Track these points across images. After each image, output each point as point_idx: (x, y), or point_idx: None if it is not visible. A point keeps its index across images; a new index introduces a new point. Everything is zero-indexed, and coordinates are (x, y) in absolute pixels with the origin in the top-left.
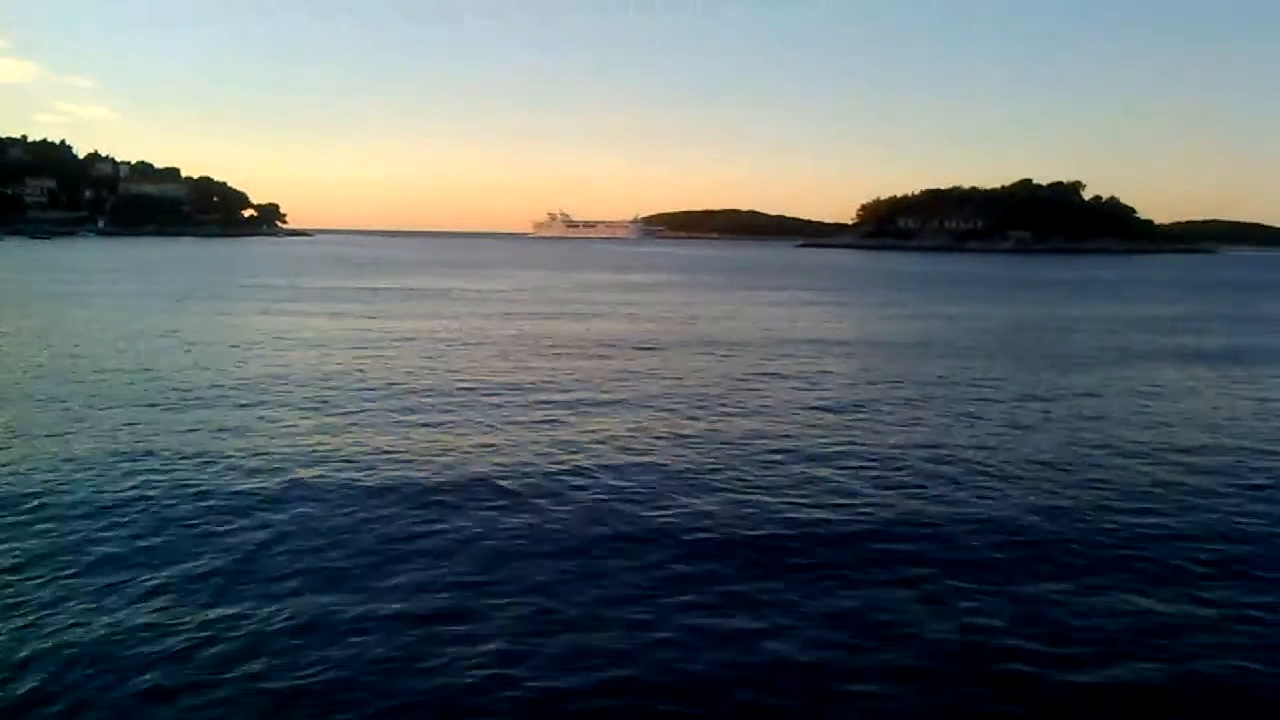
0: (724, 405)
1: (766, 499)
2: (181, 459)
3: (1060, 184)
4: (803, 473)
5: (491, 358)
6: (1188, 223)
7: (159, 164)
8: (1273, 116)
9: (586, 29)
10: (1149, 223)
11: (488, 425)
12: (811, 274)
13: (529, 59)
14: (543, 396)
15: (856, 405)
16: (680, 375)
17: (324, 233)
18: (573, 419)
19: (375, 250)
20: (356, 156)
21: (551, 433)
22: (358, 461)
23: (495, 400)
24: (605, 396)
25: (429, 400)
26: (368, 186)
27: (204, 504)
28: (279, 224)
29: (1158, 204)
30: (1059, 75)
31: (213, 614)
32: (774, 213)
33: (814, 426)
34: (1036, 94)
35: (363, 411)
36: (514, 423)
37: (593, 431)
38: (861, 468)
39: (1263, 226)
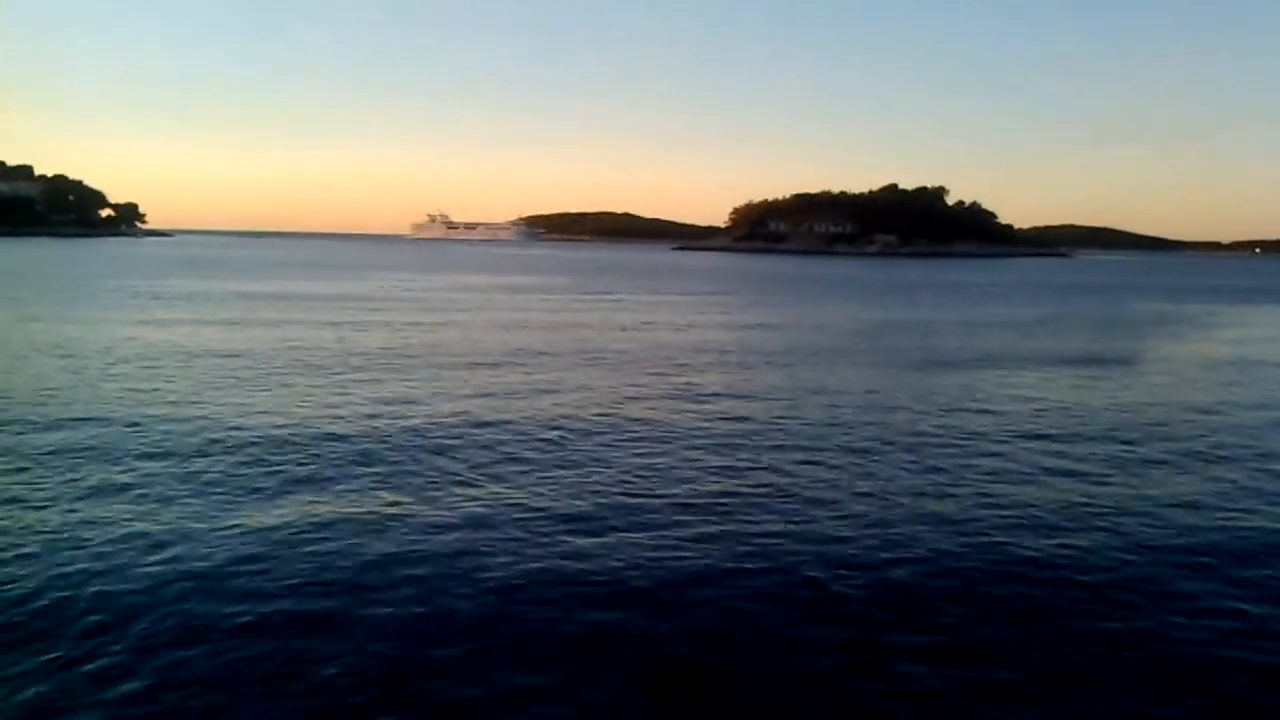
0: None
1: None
2: None
3: (925, 189)
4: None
5: (292, 378)
6: (1045, 227)
7: (11, 161)
8: (1122, 125)
9: (463, 29)
10: (1008, 227)
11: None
12: (692, 277)
13: (409, 58)
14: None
15: (740, 410)
16: (559, 390)
17: (186, 233)
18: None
19: (231, 252)
20: (224, 154)
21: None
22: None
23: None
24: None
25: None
26: (236, 185)
27: None
28: (138, 224)
29: (1017, 209)
30: (923, 83)
31: None
32: (650, 215)
33: (694, 430)
34: (902, 101)
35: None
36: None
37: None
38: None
39: (1113, 230)
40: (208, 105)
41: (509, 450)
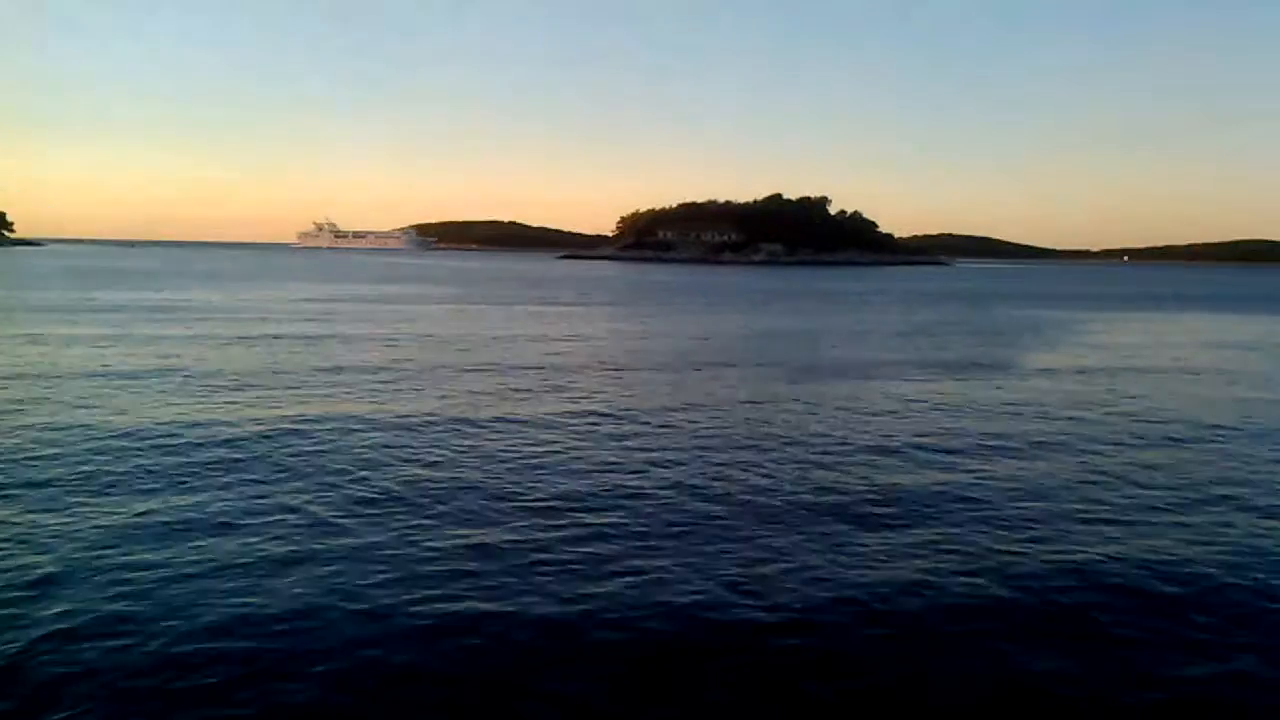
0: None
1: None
2: None
3: (808, 199)
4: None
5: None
6: (924, 236)
7: None
8: (995, 139)
9: (352, 37)
10: (889, 236)
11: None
12: (579, 285)
13: (298, 65)
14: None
15: (629, 417)
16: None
17: (58, 242)
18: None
19: (113, 262)
20: (101, 160)
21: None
22: None
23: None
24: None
25: None
26: (114, 192)
27: None
28: (5, 233)
29: (897, 219)
30: (806, 95)
31: None
32: (537, 224)
33: (579, 439)
34: (785, 112)
35: None
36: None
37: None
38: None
39: (989, 239)
40: (75, 110)
41: (354, 456)
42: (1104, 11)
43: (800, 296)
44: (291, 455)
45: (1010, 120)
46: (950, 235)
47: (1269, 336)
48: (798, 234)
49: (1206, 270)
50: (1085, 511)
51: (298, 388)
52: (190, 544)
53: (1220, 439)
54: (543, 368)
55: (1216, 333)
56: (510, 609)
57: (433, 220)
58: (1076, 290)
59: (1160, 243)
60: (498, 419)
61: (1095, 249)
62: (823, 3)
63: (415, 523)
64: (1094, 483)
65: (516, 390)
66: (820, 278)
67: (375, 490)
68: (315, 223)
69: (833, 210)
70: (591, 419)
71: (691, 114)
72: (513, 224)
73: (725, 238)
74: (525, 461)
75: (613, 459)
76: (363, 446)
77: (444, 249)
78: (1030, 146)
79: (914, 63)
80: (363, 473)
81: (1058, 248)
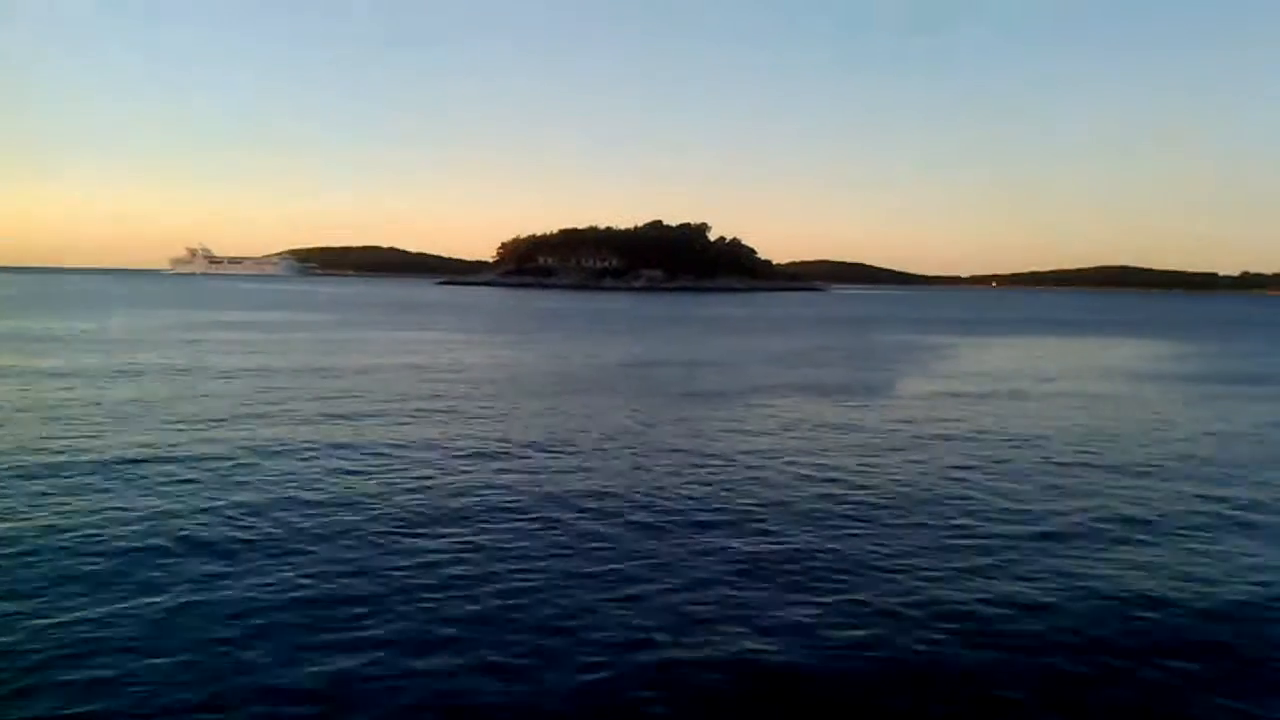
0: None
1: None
2: None
3: (688, 225)
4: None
5: None
6: (801, 262)
7: None
8: (871, 169)
9: (223, 58)
10: (768, 262)
11: None
12: (459, 312)
13: (169, 83)
14: None
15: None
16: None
17: None
18: None
19: None
20: None
21: None
22: None
23: None
24: None
25: None
26: None
27: None
28: None
29: (775, 246)
30: (686, 123)
31: None
32: (416, 250)
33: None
34: (668, 138)
35: None
36: None
37: None
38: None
39: (864, 265)
40: None
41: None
42: (977, 45)
43: (682, 322)
44: (143, 485)
45: (884, 148)
46: (827, 261)
47: (1127, 361)
48: (678, 260)
49: (1072, 295)
50: (946, 528)
51: (148, 419)
52: None
53: (1075, 460)
54: (419, 396)
55: (1077, 356)
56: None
57: (309, 246)
58: (948, 315)
59: (1027, 269)
60: (369, 446)
61: (966, 275)
62: (700, 26)
63: (267, 557)
64: (959, 498)
65: (392, 416)
66: (700, 304)
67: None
68: (189, 248)
69: (712, 237)
70: (467, 443)
71: (572, 140)
72: (391, 249)
73: (606, 264)
74: (391, 487)
75: (488, 482)
76: (216, 479)
77: (322, 275)
78: (904, 175)
79: (795, 89)
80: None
81: (930, 274)
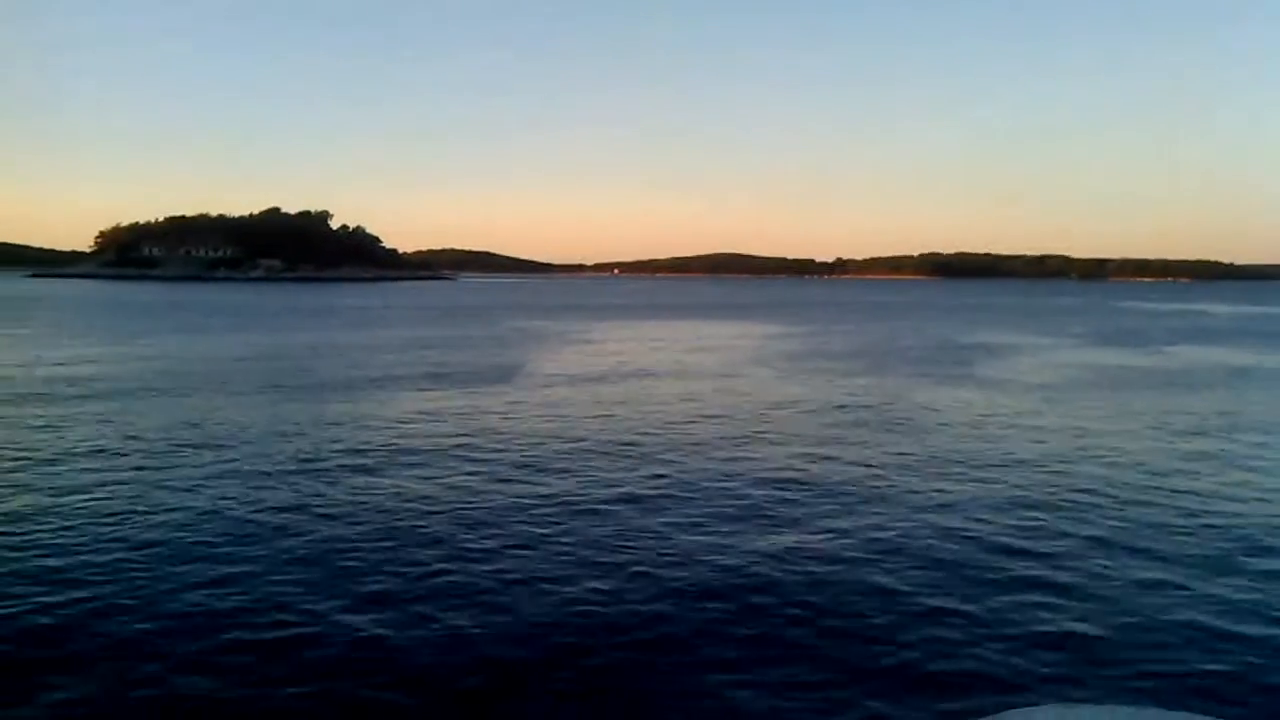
0: None
1: None
2: None
3: (309, 213)
4: None
5: None
6: (429, 251)
7: None
8: (491, 158)
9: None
10: (394, 251)
11: None
12: (46, 307)
13: None
14: None
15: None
16: None
17: None
18: None
19: None
20: None
21: None
22: None
23: None
24: None
25: None
26: None
27: None
28: None
29: (403, 234)
30: (305, 103)
31: None
32: None
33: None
34: (285, 121)
35: None
36: None
37: None
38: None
39: (491, 254)
40: None
41: None
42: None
43: (306, 314)
44: None
45: (503, 136)
46: (454, 250)
47: (736, 338)
48: (299, 249)
49: (683, 281)
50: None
51: None
52: None
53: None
54: None
55: (689, 334)
56: None
57: None
58: (570, 302)
59: (647, 257)
60: None
61: (589, 263)
62: (313, 7)
63: None
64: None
65: None
66: (323, 293)
67: None
68: None
69: (335, 225)
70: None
71: (180, 120)
72: None
73: (220, 253)
74: None
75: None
76: None
77: None
78: (522, 168)
79: (425, 80)
80: None
81: (556, 262)
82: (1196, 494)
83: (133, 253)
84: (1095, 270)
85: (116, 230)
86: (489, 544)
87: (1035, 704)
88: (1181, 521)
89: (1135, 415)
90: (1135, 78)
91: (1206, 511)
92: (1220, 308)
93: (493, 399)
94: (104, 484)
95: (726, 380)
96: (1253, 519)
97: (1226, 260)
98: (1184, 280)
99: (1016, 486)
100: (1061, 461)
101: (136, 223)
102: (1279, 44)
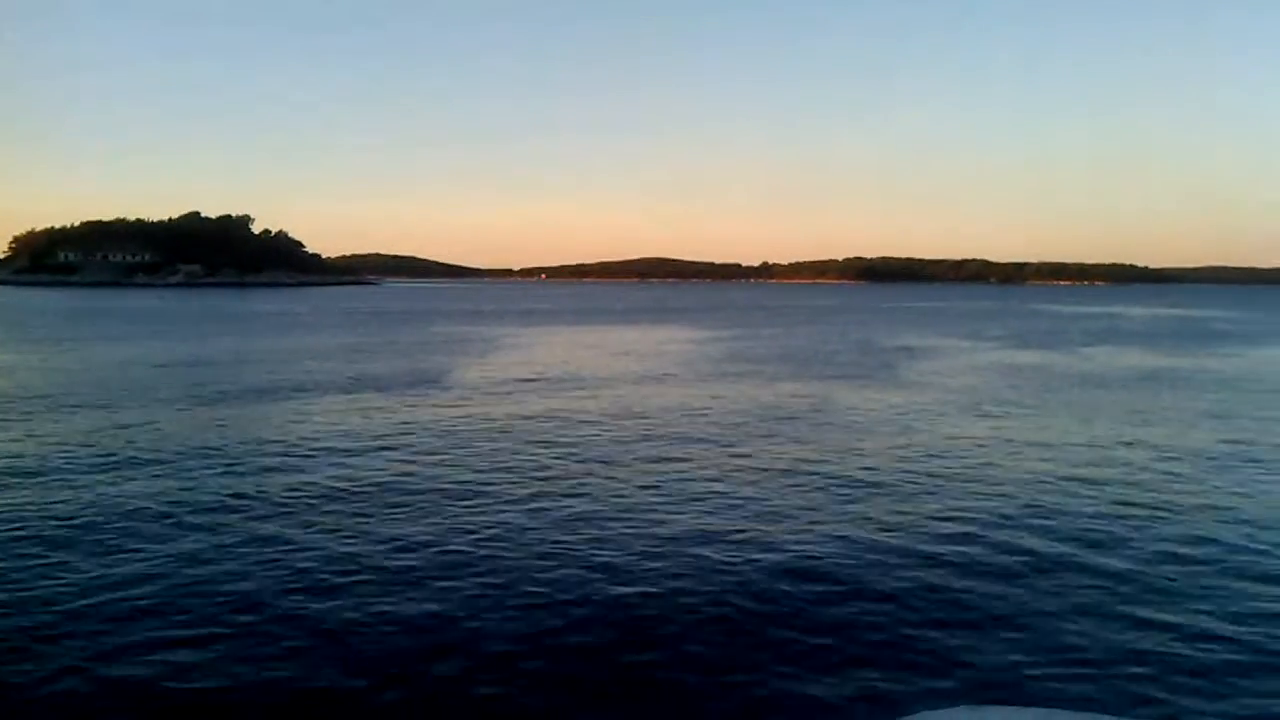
0: None
1: None
2: None
3: (229, 217)
4: None
5: None
6: (353, 256)
7: None
8: (415, 164)
9: None
10: (317, 256)
11: None
12: None
13: None
14: None
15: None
16: None
17: None
18: None
19: None
20: None
21: None
22: None
23: None
24: None
25: None
26: None
27: None
28: None
29: (326, 239)
30: (228, 105)
31: None
32: None
33: None
34: (207, 125)
35: None
36: None
37: None
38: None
39: (416, 259)
40: None
41: None
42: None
43: (227, 319)
44: None
45: (428, 140)
46: (379, 255)
47: (667, 343)
48: (219, 254)
49: (612, 285)
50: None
51: None
52: None
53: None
54: None
55: (616, 339)
56: None
57: None
58: (500, 307)
59: (575, 262)
60: None
61: (517, 268)
62: (232, 9)
63: None
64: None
65: None
66: (245, 299)
67: None
68: None
69: (257, 229)
70: None
71: (97, 122)
72: None
73: (139, 259)
74: None
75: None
76: None
77: None
78: (445, 173)
79: (345, 81)
80: None
81: (483, 267)
82: (1110, 484)
83: (48, 259)
84: (1014, 274)
85: (31, 235)
86: (412, 537)
87: (950, 705)
88: (1091, 511)
89: (1052, 414)
90: (1052, 85)
91: (1124, 503)
92: (1134, 310)
93: (412, 404)
94: (30, 501)
95: (653, 385)
96: (1170, 509)
97: (1141, 264)
98: (1100, 283)
99: (937, 479)
100: (981, 461)
101: (52, 228)
102: (1189, 48)
